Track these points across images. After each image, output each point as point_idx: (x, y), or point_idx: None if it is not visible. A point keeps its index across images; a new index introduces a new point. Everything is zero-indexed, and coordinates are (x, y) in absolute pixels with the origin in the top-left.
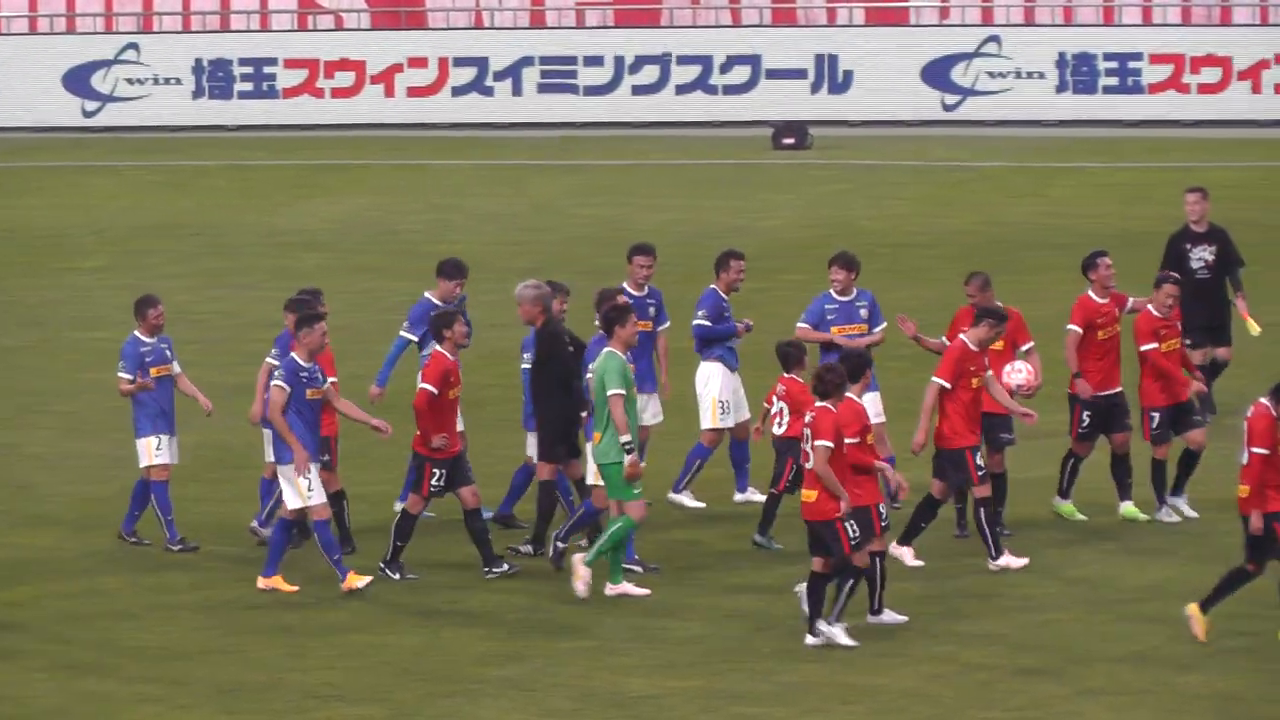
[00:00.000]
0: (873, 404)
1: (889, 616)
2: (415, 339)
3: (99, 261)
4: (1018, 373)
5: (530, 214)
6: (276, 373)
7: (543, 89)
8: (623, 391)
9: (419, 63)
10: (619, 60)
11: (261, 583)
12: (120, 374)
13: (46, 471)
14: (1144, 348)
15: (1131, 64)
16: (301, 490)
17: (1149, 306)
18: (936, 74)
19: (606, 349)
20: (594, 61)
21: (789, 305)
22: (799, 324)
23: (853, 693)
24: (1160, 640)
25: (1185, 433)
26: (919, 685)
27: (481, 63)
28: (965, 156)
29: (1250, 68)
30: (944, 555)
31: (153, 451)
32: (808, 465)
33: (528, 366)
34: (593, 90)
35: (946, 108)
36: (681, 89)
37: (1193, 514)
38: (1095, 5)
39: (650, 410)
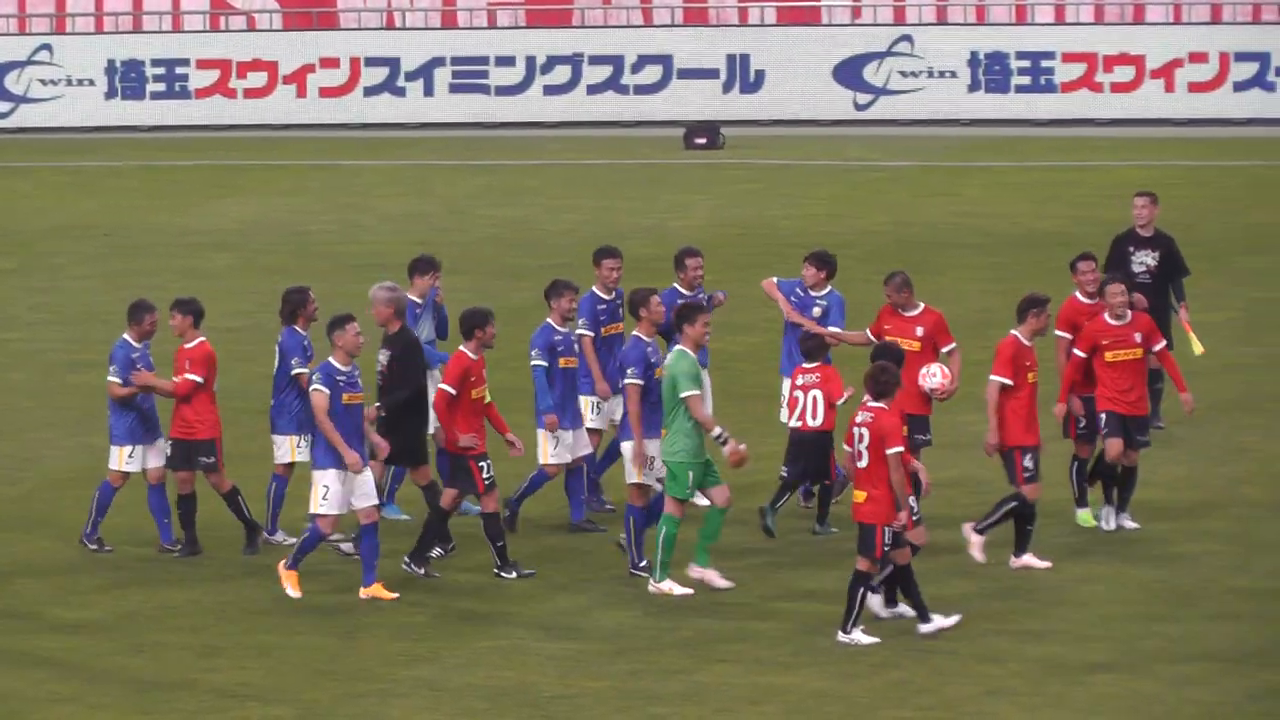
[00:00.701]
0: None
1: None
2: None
3: (8, 263)
4: (932, 376)
5: (439, 214)
6: (315, 376)
7: (454, 89)
8: (697, 392)
9: (331, 63)
10: (530, 60)
11: (363, 593)
12: (111, 378)
13: None
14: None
15: (1044, 63)
16: (316, 498)
17: (1104, 314)
18: (849, 73)
19: (678, 348)
20: (505, 62)
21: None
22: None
23: (764, 693)
24: (1074, 639)
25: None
26: (831, 685)
27: (393, 63)
28: (878, 156)
29: (1163, 66)
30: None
31: (124, 460)
32: (860, 464)
33: (541, 364)
34: (504, 90)
35: (859, 107)
36: (593, 89)
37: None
38: (1008, 4)
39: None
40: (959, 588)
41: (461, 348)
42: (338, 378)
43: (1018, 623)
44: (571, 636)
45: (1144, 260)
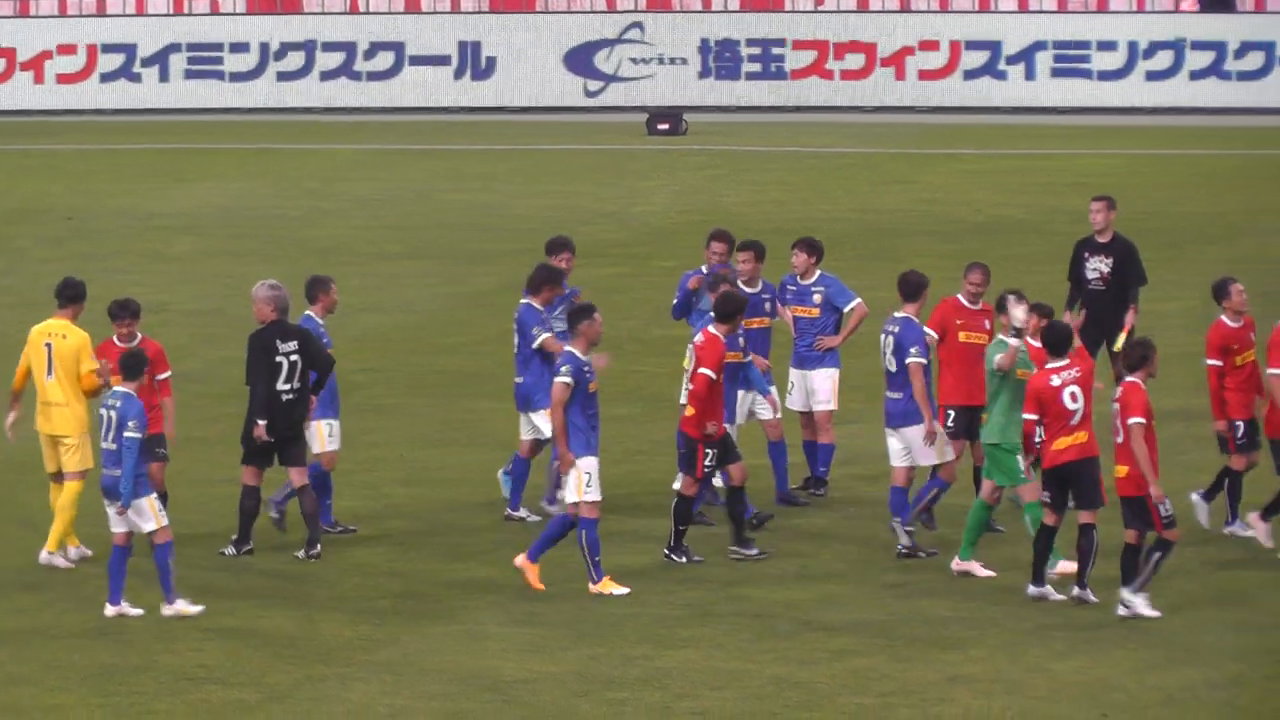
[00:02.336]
0: (828, 380)
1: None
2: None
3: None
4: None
5: (405, 199)
6: (564, 367)
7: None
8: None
9: (295, 47)
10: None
11: (592, 588)
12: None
13: None
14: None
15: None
16: (580, 485)
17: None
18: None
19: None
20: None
21: (659, 291)
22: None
23: (723, 678)
24: (1035, 627)
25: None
26: (791, 671)
27: (349, 48)
28: (843, 142)
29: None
30: (819, 537)
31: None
32: (1118, 439)
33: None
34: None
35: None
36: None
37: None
38: None
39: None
40: (920, 575)
41: (713, 328)
42: (585, 370)
43: (978, 613)
44: (531, 622)
45: (1098, 267)
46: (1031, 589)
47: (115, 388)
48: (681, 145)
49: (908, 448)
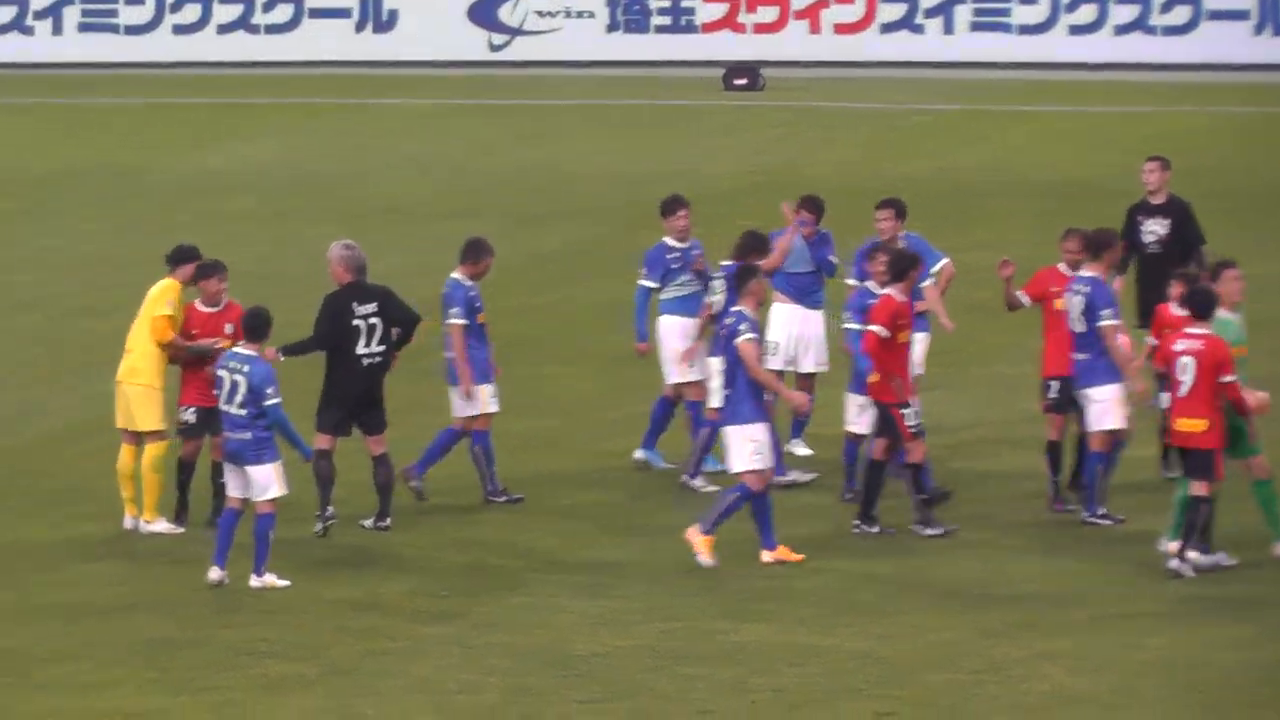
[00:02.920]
0: (919, 345)
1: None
2: (656, 285)
3: (14, 205)
4: None
5: (464, 156)
6: (743, 325)
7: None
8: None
9: None
10: None
11: (767, 556)
12: (454, 320)
13: None
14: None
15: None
16: (747, 454)
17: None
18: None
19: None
20: None
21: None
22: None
23: (802, 653)
24: (1125, 601)
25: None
26: (872, 646)
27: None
28: (919, 99)
29: None
30: (899, 509)
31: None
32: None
33: (457, 321)
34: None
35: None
36: (632, 27)
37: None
38: None
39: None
40: (1007, 542)
41: (890, 289)
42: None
43: (1067, 587)
44: (604, 594)
45: (1154, 229)
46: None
47: (236, 349)
48: (758, 101)
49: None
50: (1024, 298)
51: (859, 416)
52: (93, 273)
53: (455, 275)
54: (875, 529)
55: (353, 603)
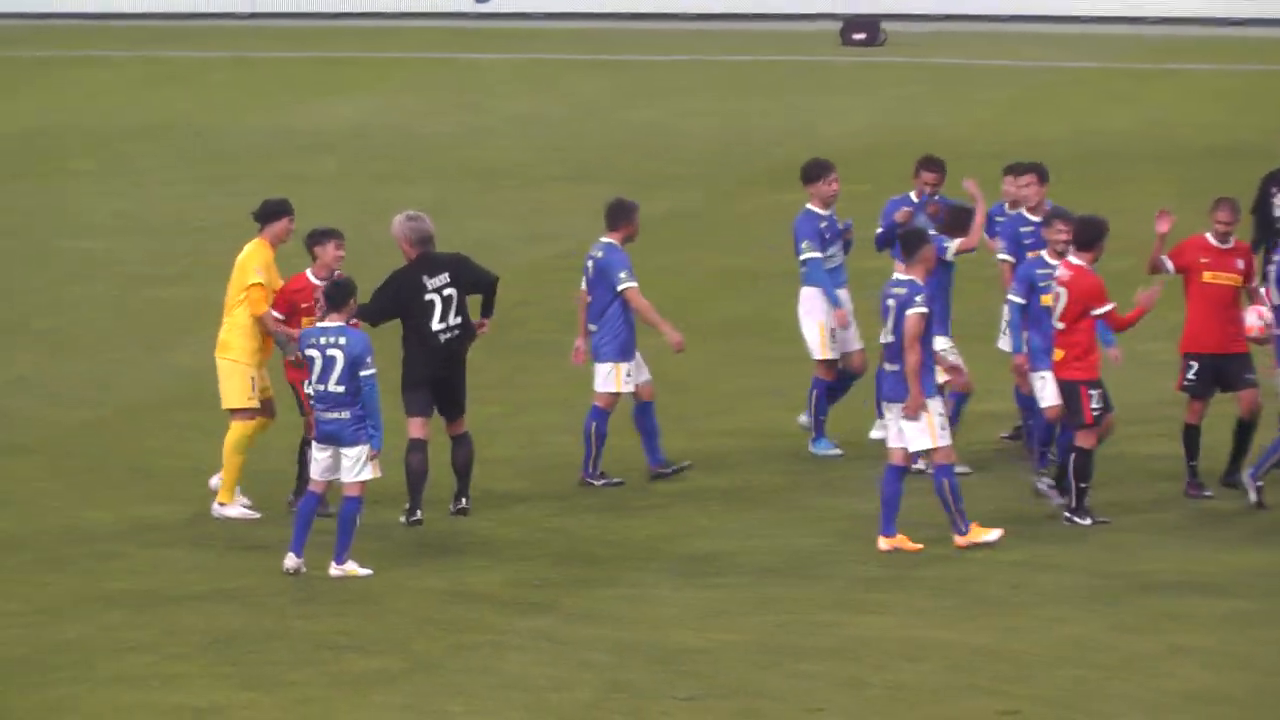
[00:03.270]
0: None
1: None
2: (822, 253)
3: (87, 164)
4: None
5: (568, 117)
6: (918, 297)
7: None
8: None
9: None
10: None
11: (884, 544)
12: (629, 282)
13: (25, 395)
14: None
15: None
16: (934, 429)
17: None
18: None
19: None
20: None
21: (854, 219)
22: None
23: (923, 648)
24: (1267, 594)
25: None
26: (998, 641)
27: None
28: (1055, 56)
29: None
30: (1028, 493)
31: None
32: None
33: (633, 284)
34: None
35: None
36: None
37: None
38: None
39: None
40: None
41: (1079, 260)
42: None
43: (1201, 577)
44: (707, 585)
45: None
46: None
47: (322, 324)
48: (879, 58)
49: None
50: (1168, 264)
51: (1045, 391)
52: (166, 238)
53: (608, 240)
54: (1088, 520)
55: (439, 593)
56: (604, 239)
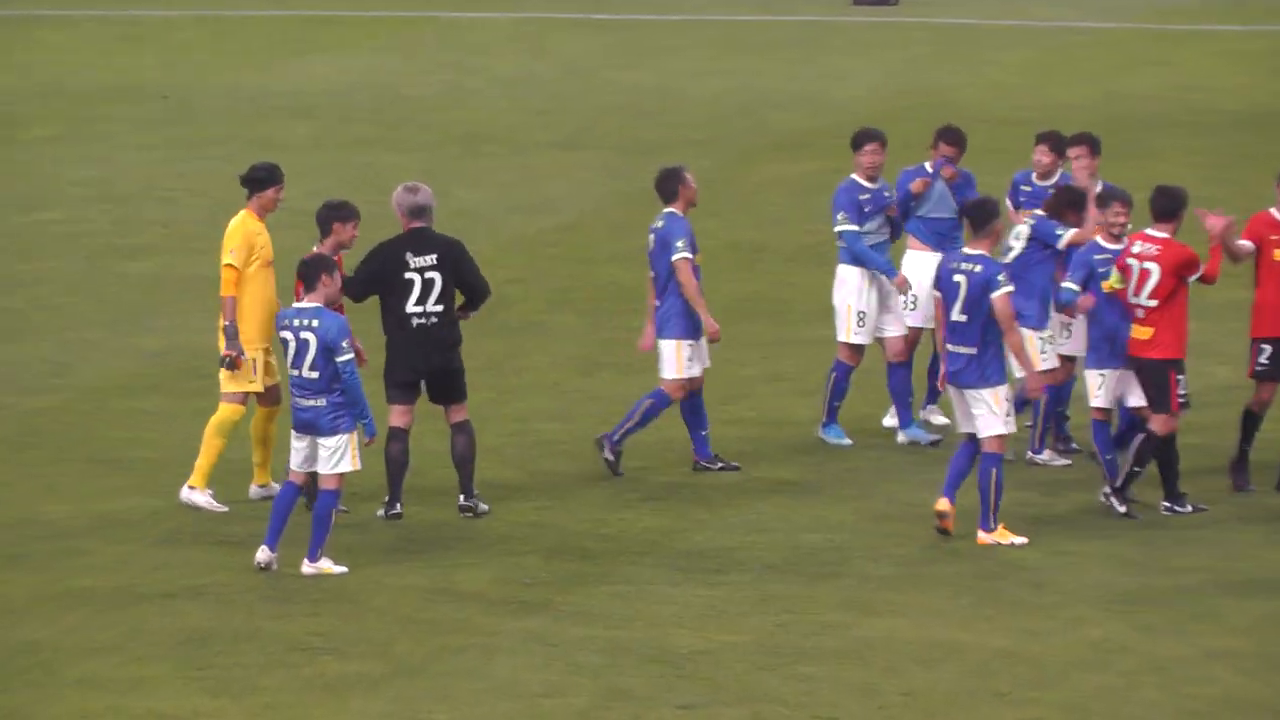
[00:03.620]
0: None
1: None
2: (859, 227)
3: (50, 130)
4: None
5: (558, 79)
6: (1000, 276)
7: None
8: None
9: None
10: None
11: (984, 538)
12: (684, 253)
13: None
14: None
15: None
16: (1003, 415)
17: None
18: None
19: None
20: None
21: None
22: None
23: (937, 651)
24: None
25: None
26: (1016, 643)
27: None
28: (1078, 16)
29: None
30: (1051, 484)
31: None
32: None
33: (686, 255)
34: None
35: None
36: None
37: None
38: None
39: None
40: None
41: (1162, 232)
42: None
43: (1241, 574)
44: (707, 583)
45: None
46: None
47: (297, 304)
48: (892, 17)
49: None
50: (1244, 245)
51: (1101, 390)
52: (132, 208)
53: (669, 209)
54: (1188, 509)
55: (421, 591)
56: (664, 209)
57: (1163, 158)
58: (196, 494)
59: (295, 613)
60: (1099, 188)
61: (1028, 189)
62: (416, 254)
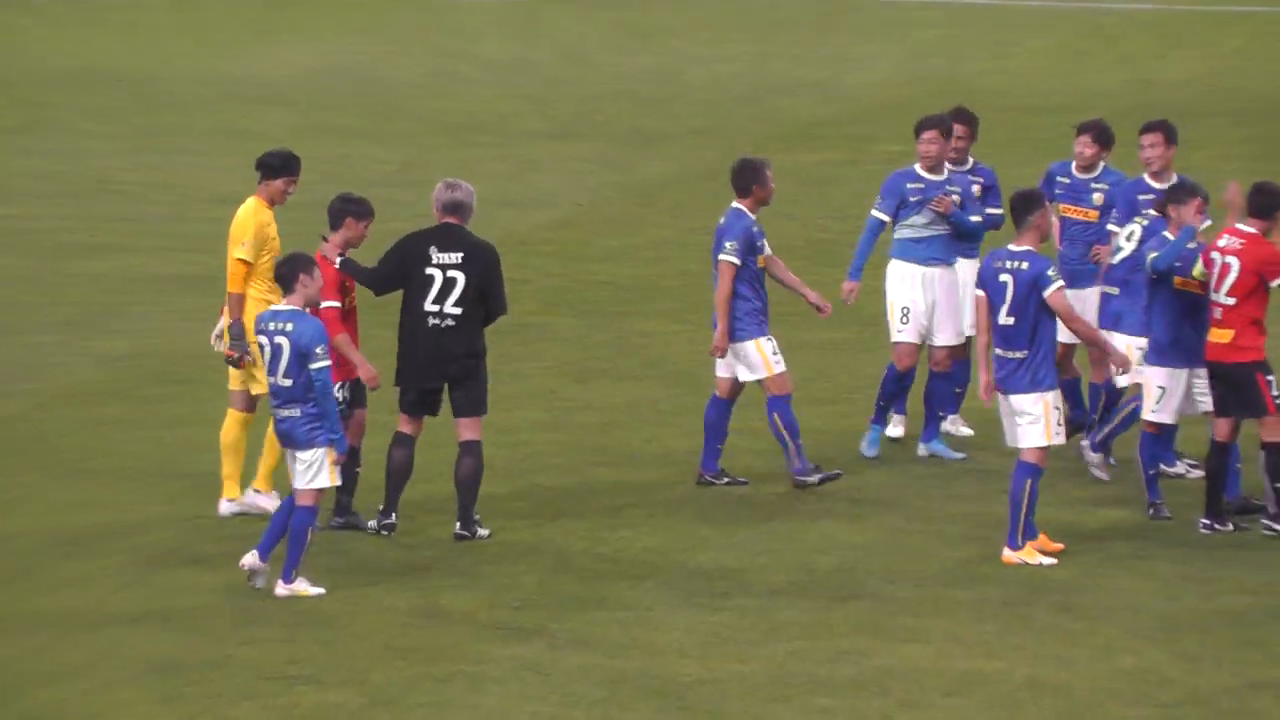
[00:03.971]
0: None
1: None
2: (889, 218)
3: (6, 120)
4: None
5: (553, 64)
6: (1050, 271)
7: None
8: None
9: None
10: None
11: (1009, 557)
12: (729, 256)
13: None
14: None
15: None
16: (1050, 425)
17: None
18: None
19: None
20: None
21: (878, 182)
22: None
23: (960, 681)
24: None
25: None
26: (1045, 672)
27: None
28: None
29: None
30: (1081, 502)
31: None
32: None
33: (732, 259)
34: None
35: None
36: None
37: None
38: None
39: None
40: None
41: (1248, 225)
42: None
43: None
44: (713, 607)
45: None
46: None
47: (275, 306)
48: None
49: None
50: None
51: (1160, 402)
52: (92, 202)
53: (736, 205)
54: (1229, 527)
55: (405, 615)
56: (732, 205)
57: (1200, 147)
58: (261, 498)
59: (269, 638)
60: (1173, 179)
61: (1065, 180)
62: (442, 250)
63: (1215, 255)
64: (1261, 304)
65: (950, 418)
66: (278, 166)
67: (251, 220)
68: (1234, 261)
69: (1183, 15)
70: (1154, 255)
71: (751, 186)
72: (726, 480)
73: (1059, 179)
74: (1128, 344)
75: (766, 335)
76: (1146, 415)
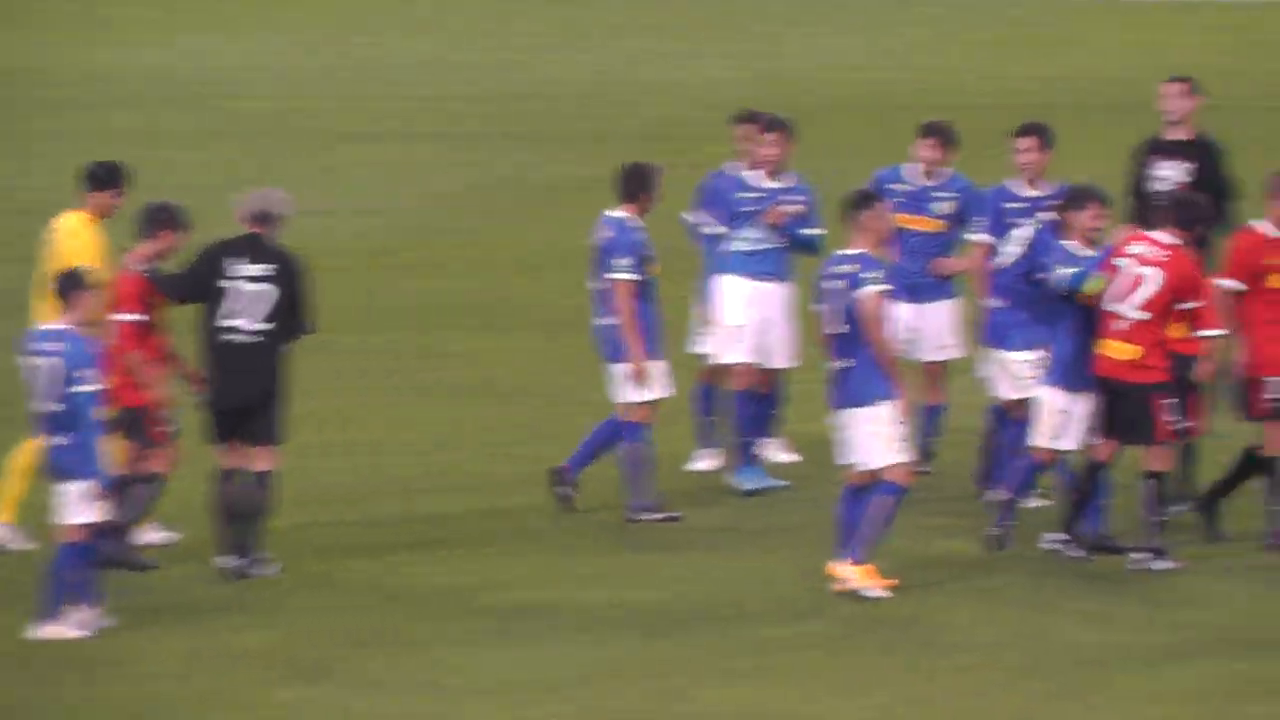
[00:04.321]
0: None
1: None
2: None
3: None
4: None
5: (478, 61)
6: (869, 274)
7: None
8: None
9: None
10: None
11: (846, 571)
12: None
13: None
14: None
15: None
16: (890, 441)
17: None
18: None
19: None
20: None
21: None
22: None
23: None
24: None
25: None
26: (878, 717)
27: None
28: None
29: None
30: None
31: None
32: None
33: (630, 275)
34: None
35: None
36: None
37: None
38: None
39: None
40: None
41: (1168, 236)
42: None
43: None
44: (524, 645)
45: (1168, 174)
46: None
47: (46, 325)
48: None
49: None
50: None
51: (1061, 428)
52: None
53: (616, 214)
54: (1081, 554)
55: (181, 657)
56: (612, 213)
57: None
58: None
59: (22, 680)
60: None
61: (902, 188)
62: (240, 259)
63: (1124, 262)
64: (1177, 323)
65: (768, 443)
66: (104, 178)
67: (81, 234)
68: (1153, 273)
69: (1117, 5)
70: (1072, 271)
71: (639, 194)
72: (662, 517)
73: (891, 187)
74: (1017, 360)
75: (660, 357)
76: (1040, 442)
